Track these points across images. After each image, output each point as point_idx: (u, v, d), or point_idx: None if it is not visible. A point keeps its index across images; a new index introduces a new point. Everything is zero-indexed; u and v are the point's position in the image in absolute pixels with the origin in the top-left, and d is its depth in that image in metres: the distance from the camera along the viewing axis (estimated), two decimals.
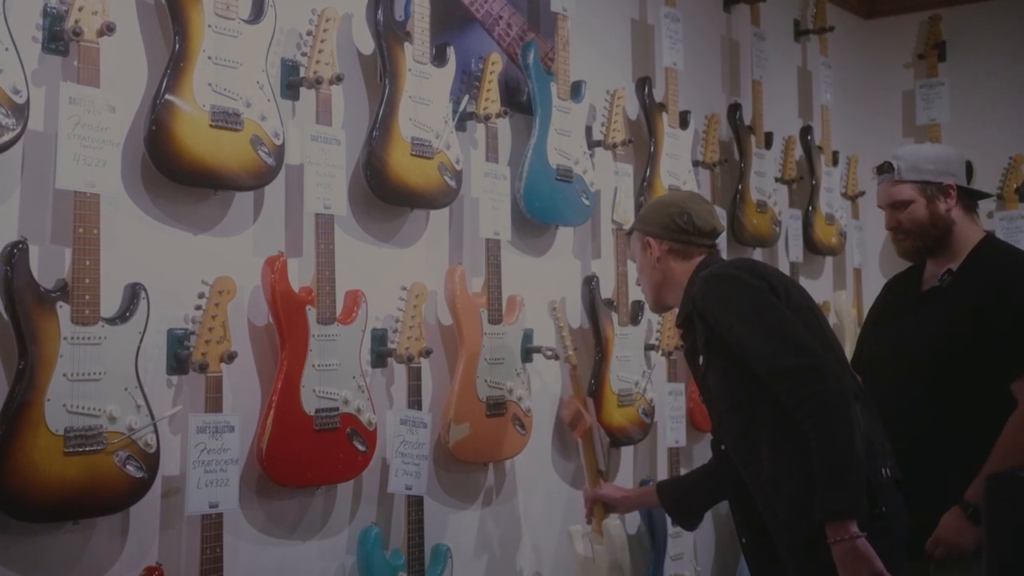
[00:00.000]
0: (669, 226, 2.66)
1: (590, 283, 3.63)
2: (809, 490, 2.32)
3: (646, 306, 3.79)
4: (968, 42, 5.50)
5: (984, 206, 3.78)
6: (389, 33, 2.90)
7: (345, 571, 2.86)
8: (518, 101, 3.45)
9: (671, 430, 3.84)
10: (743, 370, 2.43)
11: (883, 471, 2.42)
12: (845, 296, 5.24)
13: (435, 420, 3.03)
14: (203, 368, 2.41)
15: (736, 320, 2.44)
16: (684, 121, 4.05)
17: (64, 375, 2.18)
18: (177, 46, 2.43)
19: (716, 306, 2.48)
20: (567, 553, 3.41)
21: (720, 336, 2.47)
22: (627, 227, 3.68)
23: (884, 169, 2.97)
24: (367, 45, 2.98)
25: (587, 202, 3.56)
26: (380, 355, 2.94)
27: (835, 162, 5.18)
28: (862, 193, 5.44)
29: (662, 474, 3.93)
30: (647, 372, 3.74)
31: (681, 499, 2.91)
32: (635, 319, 3.71)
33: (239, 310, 2.61)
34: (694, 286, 2.56)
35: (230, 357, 2.45)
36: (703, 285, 2.52)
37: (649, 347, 3.83)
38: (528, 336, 3.36)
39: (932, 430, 2.77)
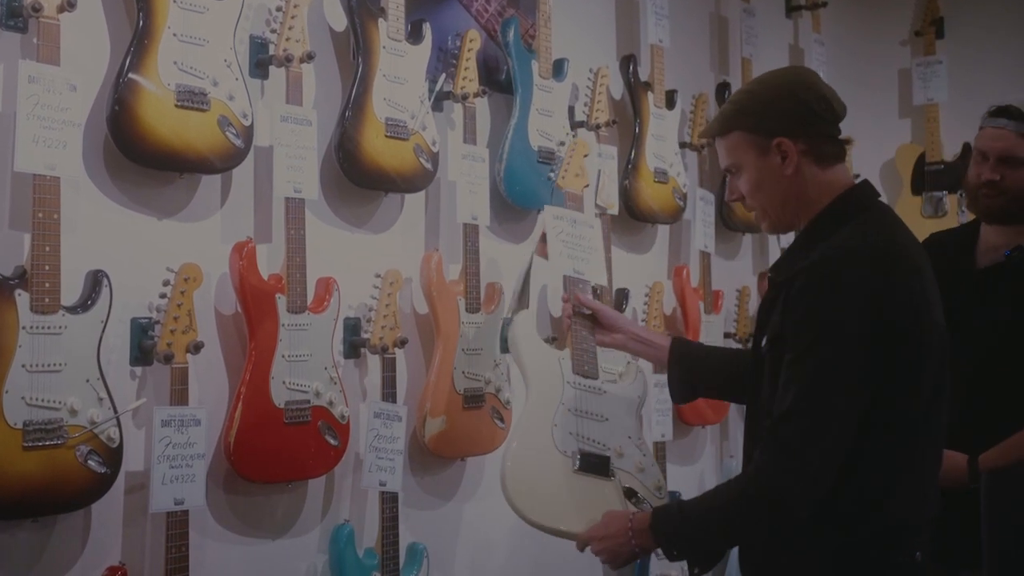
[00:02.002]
0: (806, 118, 2.09)
1: None
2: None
3: (630, 294, 3.84)
4: (967, 18, 5.52)
5: None
6: (362, 9, 2.92)
7: (316, 570, 2.89)
8: (497, 80, 3.47)
9: (657, 423, 3.87)
10: None
11: (905, 555, 2.06)
12: None
13: (410, 413, 3.05)
14: (168, 359, 2.43)
15: (802, 346, 2.00)
16: (671, 101, 4.08)
17: (23, 366, 2.20)
18: (141, 22, 2.45)
19: (797, 315, 2.03)
20: (549, 552, 3.43)
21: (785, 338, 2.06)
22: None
23: (1013, 115, 2.80)
24: (339, 21, 3.00)
25: None
26: (353, 345, 2.97)
27: None
28: (856, 176, 5.46)
29: None
30: (631, 362, 3.76)
31: (691, 362, 2.56)
32: (619, 307, 3.74)
33: (206, 298, 2.62)
34: (823, 254, 2.02)
35: (196, 347, 2.47)
36: (815, 273, 2.01)
37: None
38: (507, 325, 3.38)
39: (997, 433, 2.60)
